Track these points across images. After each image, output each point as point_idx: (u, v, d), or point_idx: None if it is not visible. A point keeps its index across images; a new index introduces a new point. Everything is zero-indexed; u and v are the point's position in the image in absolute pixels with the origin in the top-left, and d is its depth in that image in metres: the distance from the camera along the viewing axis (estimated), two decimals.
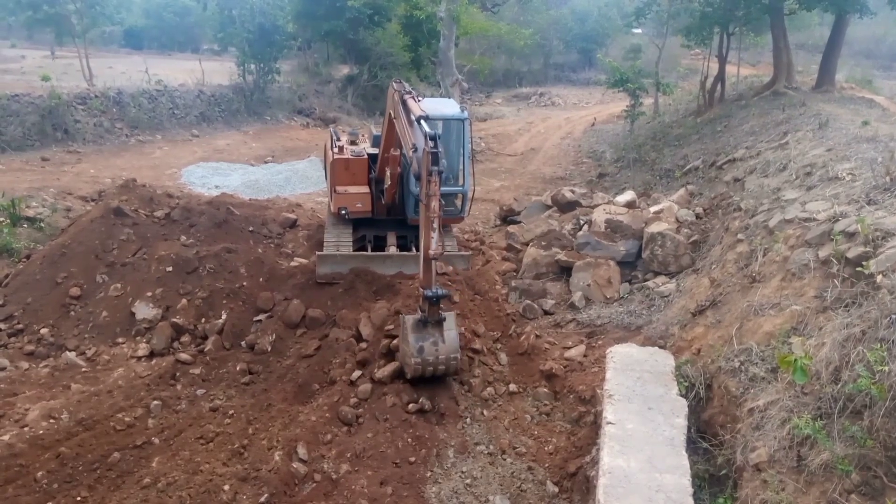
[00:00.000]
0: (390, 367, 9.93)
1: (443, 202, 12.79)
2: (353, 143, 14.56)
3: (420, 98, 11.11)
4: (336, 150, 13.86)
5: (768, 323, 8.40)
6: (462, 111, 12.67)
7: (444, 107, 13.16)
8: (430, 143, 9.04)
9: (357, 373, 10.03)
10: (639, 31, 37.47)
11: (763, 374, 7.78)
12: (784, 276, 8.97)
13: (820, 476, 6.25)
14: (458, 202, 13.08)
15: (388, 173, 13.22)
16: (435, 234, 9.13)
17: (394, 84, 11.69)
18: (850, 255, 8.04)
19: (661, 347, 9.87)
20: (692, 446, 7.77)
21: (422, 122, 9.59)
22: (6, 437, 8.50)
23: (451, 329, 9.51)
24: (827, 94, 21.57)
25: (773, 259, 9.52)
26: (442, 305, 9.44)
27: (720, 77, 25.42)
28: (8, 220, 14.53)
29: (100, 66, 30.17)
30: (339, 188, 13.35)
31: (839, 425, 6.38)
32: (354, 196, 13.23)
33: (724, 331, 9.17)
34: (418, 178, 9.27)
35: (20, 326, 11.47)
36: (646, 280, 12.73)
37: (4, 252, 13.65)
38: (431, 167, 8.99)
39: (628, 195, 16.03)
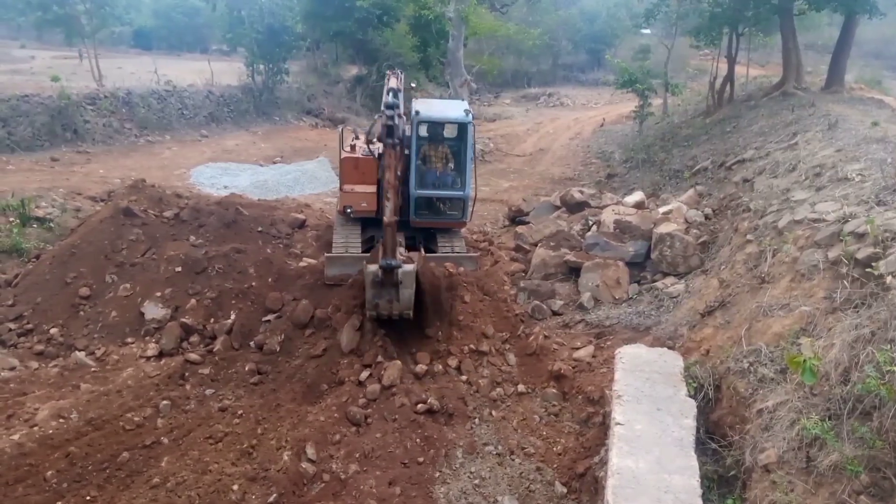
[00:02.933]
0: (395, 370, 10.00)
1: (444, 207, 12.90)
2: (369, 142, 14.56)
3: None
4: (348, 148, 13.90)
5: (777, 324, 8.37)
6: (466, 114, 12.57)
7: (450, 109, 13.13)
8: (387, 114, 8.97)
9: (365, 373, 10.05)
10: (647, 31, 37.36)
11: (772, 375, 7.75)
12: (793, 277, 8.94)
13: (829, 477, 6.23)
14: (463, 206, 13.08)
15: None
16: (390, 203, 9.42)
17: (388, 72, 11.77)
18: (859, 255, 8.01)
19: (669, 348, 9.84)
20: (701, 447, 7.75)
21: (392, 94, 9.62)
22: (16, 437, 8.53)
23: (408, 288, 10.06)
24: (836, 94, 21.44)
25: (783, 260, 9.49)
26: (404, 258, 10.12)
27: (729, 77, 25.32)
28: (18, 220, 14.60)
29: (109, 67, 30.27)
30: (347, 187, 13.38)
31: (848, 426, 6.36)
32: (360, 195, 13.25)
33: (733, 332, 9.14)
34: (372, 140, 9.32)
35: (30, 326, 11.52)
36: (654, 281, 12.70)
37: (14, 252, 13.71)
38: (386, 139, 9.04)
39: (637, 196, 16.01)
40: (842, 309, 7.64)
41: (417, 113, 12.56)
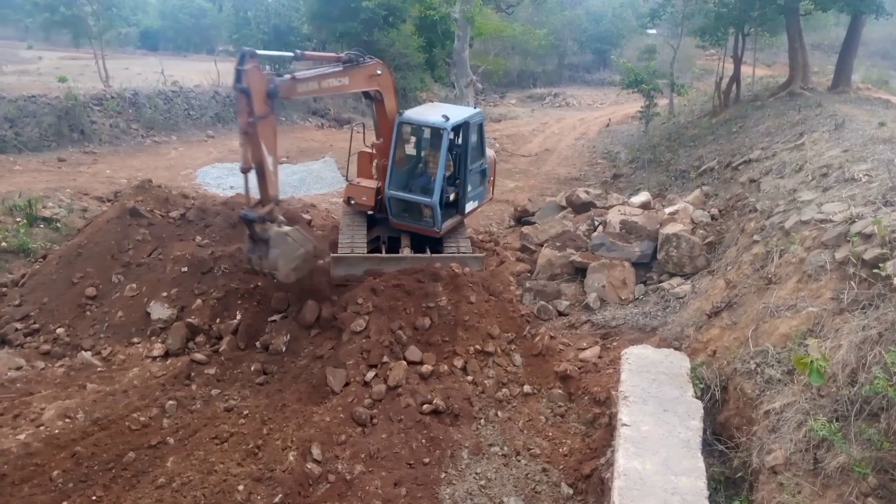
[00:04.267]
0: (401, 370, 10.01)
1: (420, 212, 12.84)
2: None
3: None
4: (369, 145, 14.13)
5: (784, 325, 8.34)
6: (445, 120, 12.23)
7: (433, 113, 12.87)
8: (240, 61, 9.64)
9: (371, 373, 10.04)
10: (653, 31, 37.34)
11: (779, 377, 7.72)
12: (800, 278, 8.90)
13: (836, 479, 6.21)
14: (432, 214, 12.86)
15: (374, 164, 13.25)
16: (246, 150, 9.92)
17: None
18: (866, 256, 7.97)
19: (676, 349, 9.80)
20: (708, 448, 7.73)
21: (294, 57, 10.63)
22: (22, 437, 8.58)
23: (276, 248, 10.35)
24: (843, 94, 21.37)
25: (789, 260, 9.45)
26: (278, 221, 10.50)
27: (735, 78, 25.27)
28: (25, 221, 14.67)
29: (116, 68, 30.35)
30: (355, 179, 13.74)
31: (856, 428, 6.33)
32: (362, 189, 13.52)
33: (740, 332, 9.11)
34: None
35: (36, 326, 11.58)
36: (661, 281, 12.67)
37: (21, 252, 13.80)
38: (234, 83, 9.71)
39: (643, 196, 15.96)
40: (849, 310, 7.60)
41: (401, 114, 12.62)
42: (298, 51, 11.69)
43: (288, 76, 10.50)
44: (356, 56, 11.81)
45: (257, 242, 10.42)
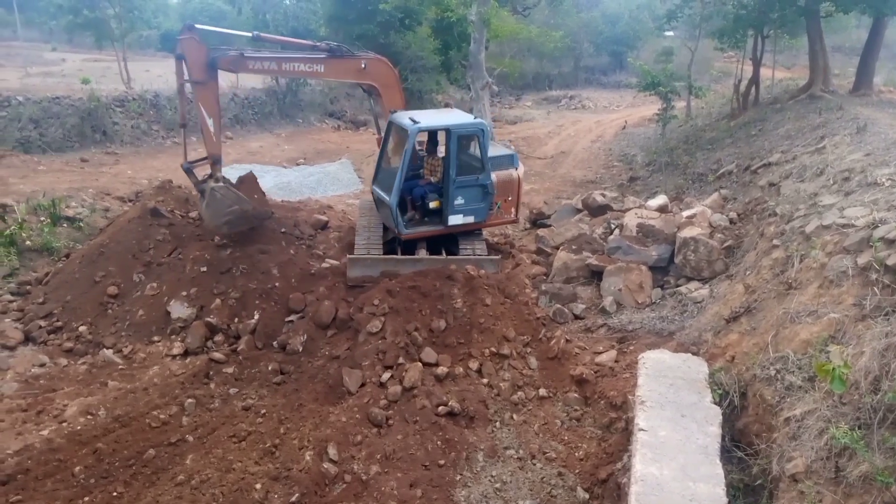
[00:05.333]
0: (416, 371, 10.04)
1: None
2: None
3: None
4: None
5: (805, 331, 8.27)
6: (414, 123, 12.12)
7: (421, 116, 12.80)
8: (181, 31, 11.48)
9: (387, 374, 10.08)
10: (671, 33, 37.02)
11: (800, 383, 7.66)
12: (821, 283, 8.82)
13: (858, 488, 6.14)
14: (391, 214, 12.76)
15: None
16: (181, 107, 12.55)
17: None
18: (889, 262, 7.89)
19: (694, 354, 9.74)
20: (726, 455, 7.67)
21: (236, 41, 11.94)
22: (45, 432, 8.72)
23: (206, 201, 12.07)
24: (865, 97, 21.14)
25: (810, 266, 9.36)
26: (215, 181, 12.08)
27: (754, 80, 25.05)
28: (48, 220, 14.84)
29: (137, 70, 30.64)
30: None
31: (878, 436, 6.26)
32: None
33: (760, 338, 9.04)
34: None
35: (59, 324, 11.72)
36: (678, 285, 12.60)
37: (45, 251, 13.97)
38: (174, 50, 11.47)
39: (660, 199, 15.88)
40: (872, 316, 7.53)
41: (392, 112, 12.79)
42: (256, 32, 12.40)
43: (236, 51, 11.83)
44: (340, 48, 12.35)
45: (203, 193, 12.09)
